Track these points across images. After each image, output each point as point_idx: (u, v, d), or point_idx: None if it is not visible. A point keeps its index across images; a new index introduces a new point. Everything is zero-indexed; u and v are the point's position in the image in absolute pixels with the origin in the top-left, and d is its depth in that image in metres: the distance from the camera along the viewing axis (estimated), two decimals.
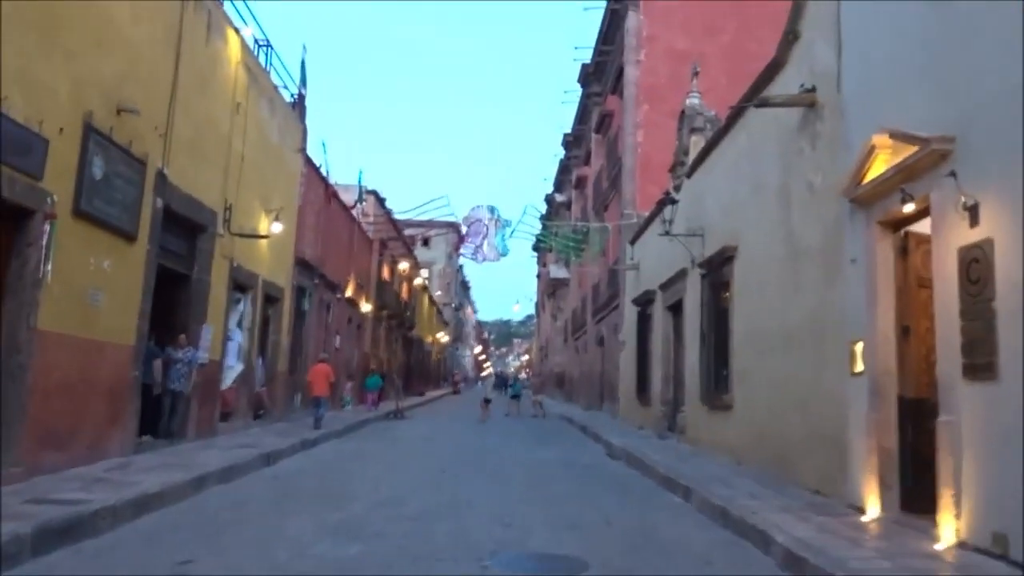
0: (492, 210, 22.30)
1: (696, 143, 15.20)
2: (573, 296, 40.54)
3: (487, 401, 23.70)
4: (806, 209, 9.13)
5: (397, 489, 8.98)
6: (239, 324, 13.65)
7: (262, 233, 13.25)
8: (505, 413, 25.09)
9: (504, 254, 22.18)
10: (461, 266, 76.70)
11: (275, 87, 14.83)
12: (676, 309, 16.06)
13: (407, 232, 37.02)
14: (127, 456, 9.23)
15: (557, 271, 44.40)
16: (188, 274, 11.40)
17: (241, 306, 13.70)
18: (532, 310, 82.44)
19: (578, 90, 35.38)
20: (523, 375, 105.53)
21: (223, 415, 13.18)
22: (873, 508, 7.09)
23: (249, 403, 14.20)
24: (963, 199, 5.92)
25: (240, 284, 13.41)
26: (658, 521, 7.56)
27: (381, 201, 28.50)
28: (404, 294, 36.36)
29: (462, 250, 22.45)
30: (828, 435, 8.22)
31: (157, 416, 10.73)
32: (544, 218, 26.12)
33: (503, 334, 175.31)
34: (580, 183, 38.11)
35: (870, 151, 7.27)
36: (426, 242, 61.07)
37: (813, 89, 8.96)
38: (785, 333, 9.60)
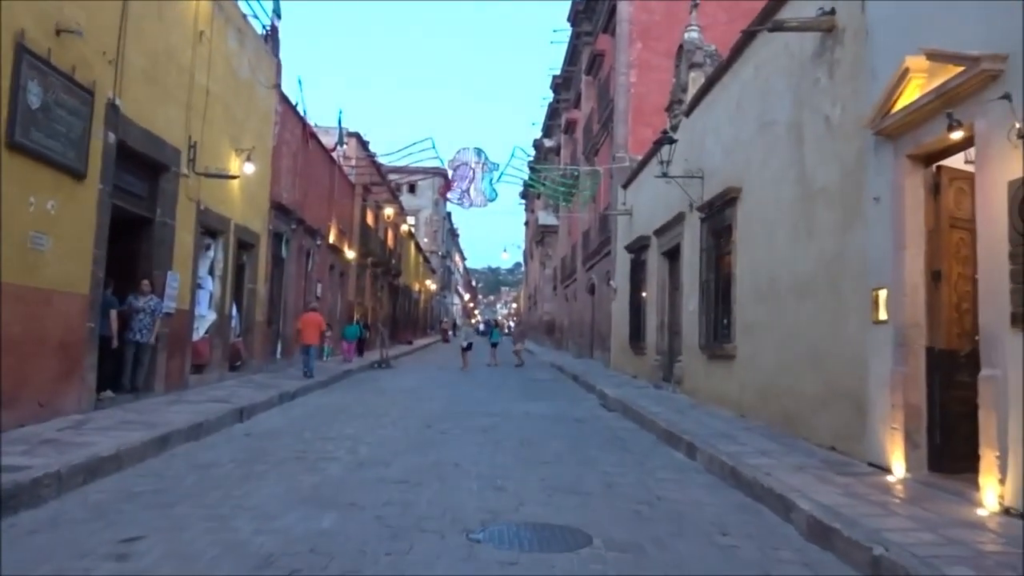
0: (479, 153, 21.30)
1: (695, 79, 14.30)
2: (562, 243, 39.78)
3: (466, 349, 23.13)
4: (822, 145, 8.37)
5: (379, 448, 8.35)
6: (210, 271, 12.84)
7: (232, 173, 12.31)
8: (487, 363, 24.39)
9: (492, 199, 21.28)
10: (449, 213, 75.62)
11: (244, 16, 13.74)
12: (672, 255, 15.37)
13: (392, 179, 35.97)
14: (85, 413, 8.52)
15: (546, 218, 43.57)
16: (151, 217, 10.54)
17: (212, 252, 12.86)
18: (520, 258, 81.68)
19: (568, 30, 34.05)
20: (512, 323, 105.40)
21: (196, 367, 12.47)
22: (898, 468, 6.51)
23: (224, 354, 13.47)
24: (1017, 125, 5.19)
25: (210, 229, 12.55)
26: (663, 482, 6.97)
27: (364, 144, 27.36)
28: (389, 241, 35.47)
29: (448, 195, 21.46)
30: (845, 389, 7.62)
31: (121, 370, 10.00)
32: (532, 164, 25.13)
33: (491, 282, 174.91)
34: (569, 127, 37.03)
35: (902, 75, 6.50)
36: (412, 189, 59.91)
37: (832, 12, 8.12)
38: (796, 280, 8.93)
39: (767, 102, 10.01)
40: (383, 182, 29.00)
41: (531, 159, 27.03)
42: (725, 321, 11.69)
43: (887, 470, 6.65)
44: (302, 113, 18.22)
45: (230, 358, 13.95)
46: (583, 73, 31.35)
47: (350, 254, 25.43)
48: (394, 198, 34.32)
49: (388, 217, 32.42)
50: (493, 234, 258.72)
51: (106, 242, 8.90)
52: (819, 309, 8.30)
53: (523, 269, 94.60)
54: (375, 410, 11.92)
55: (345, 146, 23.97)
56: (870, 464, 6.96)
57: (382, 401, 13.31)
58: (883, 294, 6.93)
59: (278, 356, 17.18)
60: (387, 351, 23.04)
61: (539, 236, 47.05)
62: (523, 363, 24.96)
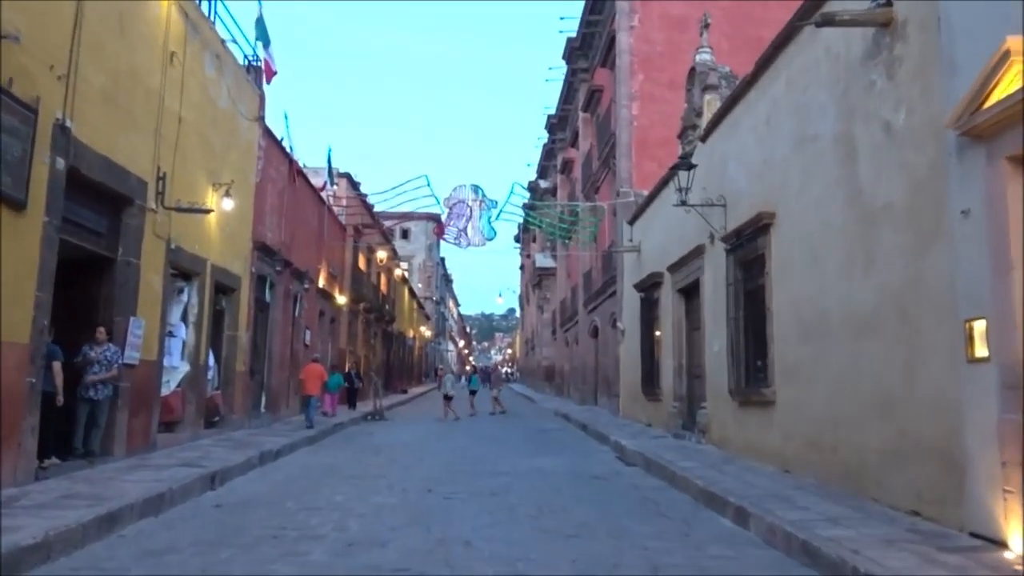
0: (476, 190, 20.18)
1: (711, 102, 13.32)
2: (561, 286, 38.63)
3: (448, 398, 21.50)
4: (881, 158, 7.25)
5: (373, 522, 7.01)
6: (183, 318, 11.57)
7: (206, 207, 11.06)
8: (469, 414, 22.70)
9: (490, 238, 20.06)
10: (442, 259, 74.63)
11: (223, 41, 12.71)
12: (689, 292, 14.19)
13: (385, 224, 35.00)
14: (22, 486, 7.17)
15: (543, 260, 42.48)
16: (111, 256, 9.32)
17: (185, 296, 11.61)
18: (515, 303, 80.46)
19: (563, 67, 33.40)
20: (506, 369, 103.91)
21: (166, 425, 11.13)
22: (1017, 542, 5.22)
23: (199, 410, 12.12)
24: None
25: (182, 270, 11.32)
26: (719, 562, 5.67)
27: (354, 184, 26.30)
28: (383, 286, 34.26)
29: (444, 234, 20.29)
30: (928, 441, 6.36)
31: (72, 432, 8.65)
32: (528, 207, 23.99)
33: (485, 328, 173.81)
34: (566, 167, 36.20)
35: (999, 62, 5.39)
36: (405, 234, 58.93)
37: (889, 3, 7.08)
38: (853, 316, 7.72)
39: (805, 116, 8.94)
40: (375, 224, 27.87)
41: (525, 202, 25.70)
42: (759, 363, 10.46)
43: (1000, 543, 5.36)
44: (288, 149, 17.16)
45: (207, 413, 12.61)
46: (580, 110, 30.56)
47: (341, 299, 24.19)
48: (386, 241, 33.15)
49: (381, 261, 31.25)
50: (486, 280, 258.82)
51: (52, 283, 7.65)
52: (887, 347, 7.08)
53: (517, 315, 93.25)
54: (369, 470, 10.57)
55: (336, 187, 22.91)
56: (973, 534, 5.68)
57: (376, 459, 11.95)
58: (980, 326, 5.73)
59: (262, 410, 15.80)
60: (381, 401, 21.64)
61: (536, 279, 45.90)
62: (505, 410, 23.52)
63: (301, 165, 19.04)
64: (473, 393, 24.10)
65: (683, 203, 11.86)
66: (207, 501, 7.97)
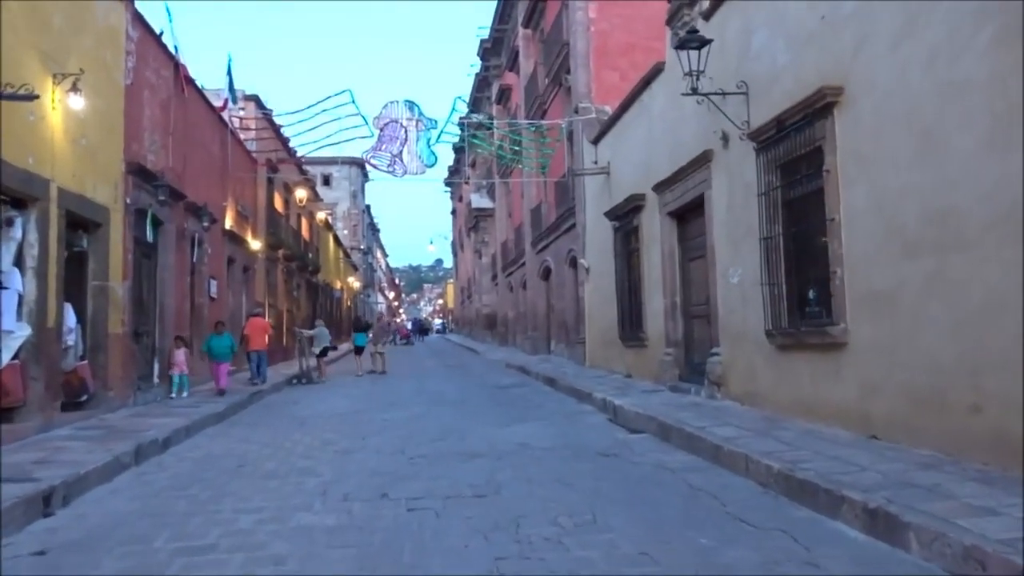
0: (412, 107, 16.96)
1: None
2: (501, 227, 35.78)
3: (320, 355, 18.46)
4: None
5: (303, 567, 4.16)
6: (17, 263, 8.26)
7: (31, 93, 7.60)
8: (357, 374, 19.81)
9: (431, 164, 16.89)
10: (368, 206, 70.57)
11: None
12: (686, 214, 11.58)
13: (305, 168, 31.18)
14: None
15: (479, 201, 39.50)
16: None
17: (18, 232, 8.26)
18: (446, 252, 77.03)
19: None
20: (439, 320, 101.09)
21: (1, 412, 7.93)
22: None
23: (52, 388, 8.87)
24: None
25: (8, 193, 7.97)
26: None
27: (266, 112, 22.46)
28: (304, 231, 30.66)
29: (374, 160, 16.99)
30: None
31: None
32: (474, 127, 20.82)
33: (413, 280, 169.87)
34: (503, 95, 32.97)
35: None
36: (327, 181, 54.70)
37: None
38: (1016, 210, 5.16)
39: None
40: (290, 156, 24.14)
41: (455, 142, 22.45)
42: (813, 292, 7.93)
43: None
44: (173, 50, 13.56)
45: (67, 392, 9.37)
46: (520, 26, 27.29)
47: (255, 244, 20.72)
48: (303, 174, 29.23)
49: (301, 201, 27.59)
50: (413, 230, 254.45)
51: None
52: None
53: (447, 265, 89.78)
54: (293, 461, 7.66)
55: (243, 109, 19.28)
56: None
57: (304, 441, 9.02)
58: None
59: (155, 380, 12.56)
60: (308, 362, 18.48)
61: (472, 222, 42.82)
62: (385, 371, 20.26)
63: (195, 80, 15.42)
64: (359, 351, 21.04)
65: (694, 91, 9.11)
66: (26, 543, 4.96)
